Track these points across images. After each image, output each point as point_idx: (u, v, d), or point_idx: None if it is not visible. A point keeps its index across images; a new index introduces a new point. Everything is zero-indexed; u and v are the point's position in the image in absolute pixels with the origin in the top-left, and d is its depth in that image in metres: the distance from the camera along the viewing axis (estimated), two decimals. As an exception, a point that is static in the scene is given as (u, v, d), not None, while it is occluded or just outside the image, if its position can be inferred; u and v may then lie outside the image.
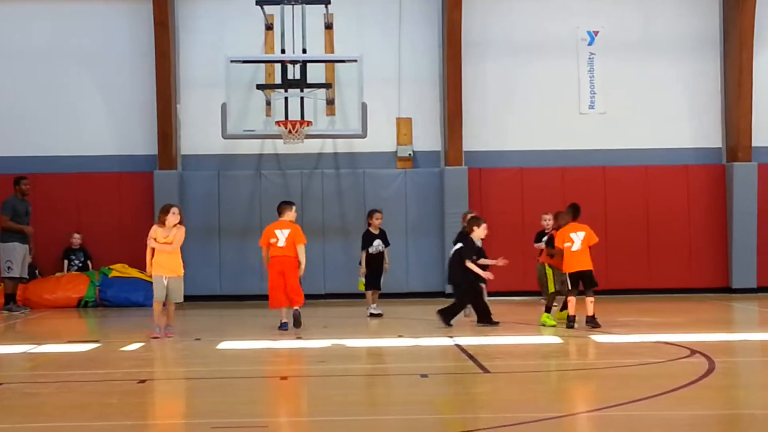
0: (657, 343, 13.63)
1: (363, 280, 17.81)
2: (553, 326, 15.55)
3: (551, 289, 16.53)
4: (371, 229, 17.92)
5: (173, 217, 15.06)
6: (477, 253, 16.22)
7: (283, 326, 15.65)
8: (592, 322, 15.10)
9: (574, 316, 15.19)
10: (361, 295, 20.80)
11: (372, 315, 17.70)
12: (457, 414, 9.26)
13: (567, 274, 15.39)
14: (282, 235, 15.75)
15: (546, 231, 18.05)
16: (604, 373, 11.50)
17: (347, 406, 9.47)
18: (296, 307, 15.77)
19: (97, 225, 21.82)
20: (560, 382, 10.91)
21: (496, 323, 15.78)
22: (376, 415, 9.10)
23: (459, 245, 16.14)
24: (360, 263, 17.89)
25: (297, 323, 15.73)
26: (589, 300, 15.26)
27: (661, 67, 22.52)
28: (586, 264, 15.40)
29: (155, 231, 15.15)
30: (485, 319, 15.88)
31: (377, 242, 17.78)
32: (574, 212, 15.62)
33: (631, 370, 11.50)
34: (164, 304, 15.16)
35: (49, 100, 22.07)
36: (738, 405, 9.62)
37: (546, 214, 18.53)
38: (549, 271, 16.79)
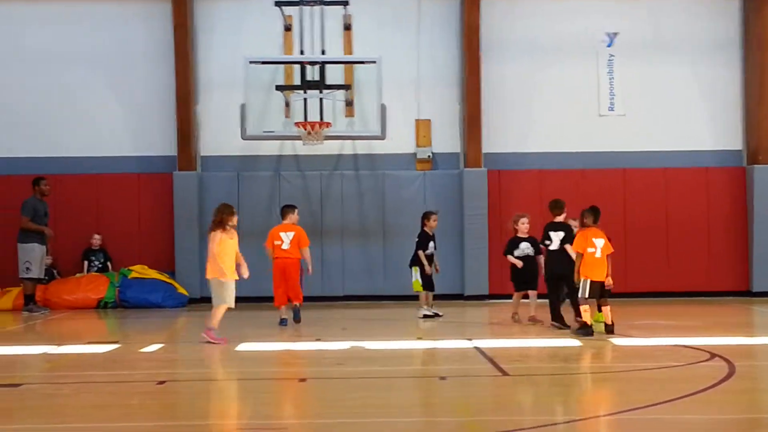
0: (676, 346, 13.58)
1: (419, 280, 17.73)
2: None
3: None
4: (426, 230, 17.90)
5: (235, 220, 14.79)
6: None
7: (282, 322, 16.51)
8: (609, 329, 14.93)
9: (586, 323, 14.94)
10: (380, 298, 20.91)
11: (426, 316, 17.58)
12: (476, 417, 9.24)
13: (587, 281, 14.82)
14: (287, 238, 16.55)
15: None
16: (624, 376, 11.46)
17: (366, 408, 9.47)
18: (296, 304, 16.70)
19: (117, 226, 21.88)
20: (579, 385, 10.88)
21: (567, 326, 15.63)
22: (394, 418, 9.09)
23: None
24: (416, 264, 17.74)
25: (296, 318, 16.68)
26: (606, 308, 15.08)
27: (680, 69, 22.44)
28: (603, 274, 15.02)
29: (219, 235, 14.50)
30: (558, 320, 15.87)
31: (431, 244, 17.79)
32: (594, 215, 15.31)
33: (651, 374, 11.47)
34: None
35: (68, 101, 22.13)
36: (758, 409, 9.59)
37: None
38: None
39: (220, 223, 14.50)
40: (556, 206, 15.95)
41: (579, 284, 14.82)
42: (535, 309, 16.50)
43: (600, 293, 14.91)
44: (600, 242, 14.95)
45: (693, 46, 22.46)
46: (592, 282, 14.79)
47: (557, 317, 15.70)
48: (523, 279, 16.57)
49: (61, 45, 22.19)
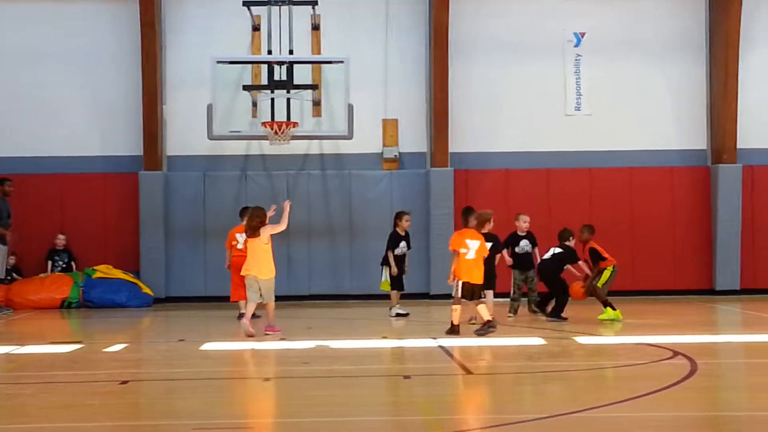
0: (640, 344, 13.65)
1: (387, 280, 17.79)
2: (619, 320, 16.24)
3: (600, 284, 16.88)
4: (398, 230, 17.96)
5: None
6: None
7: (241, 316, 16.53)
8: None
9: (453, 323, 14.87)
10: (346, 297, 20.93)
11: (398, 315, 17.71)
12: (440, 415, 9.25)
13: (460, 282, 14.67)
14: (241, 238, 16.74)
15: (520, 233, 17.98)
16: (587, 374, 11.52)
17: (330, 407, 9.47)
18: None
19: (82, 226, 21.77)
20: (543, 383, 10.91)
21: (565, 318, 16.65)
22: (359, 417, 9.09)
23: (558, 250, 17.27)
24: (384, 264, 17.90)
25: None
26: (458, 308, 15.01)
27: (647, 69, 22.57)
28: None
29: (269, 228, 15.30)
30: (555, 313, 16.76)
31: (402, 243, 17.82)
32: (473, 217, 15.40)
33: (614, 372, 11.54)
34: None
35: (33, 100, 22.00)
36: (720, 407, 9.66)
37: (522, 215, 18.24)
38: (606, 273, 16.99)
39: (263, 224, 15.17)
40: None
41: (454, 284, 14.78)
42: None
43: (471, 295, 14.74)
44: (475, 244, 14.74)
45: (659, 46, 22.58)
46: (464, 283, 14.66)
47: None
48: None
49: (27, 44, 22.05)
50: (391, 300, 17.91)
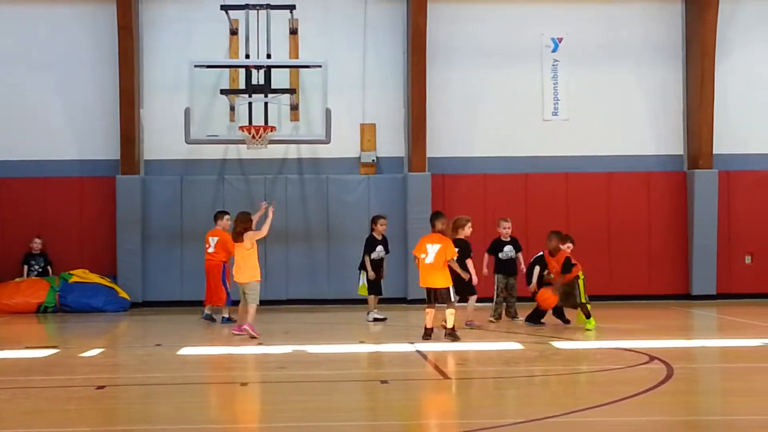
0: (616, 349, 13.70)
1: (365, 284, 17.79)
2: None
3: (583, 299, 16.59)
4: (375, 234, 17.97)
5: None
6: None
7: (206, 316, 17.87)
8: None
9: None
10: (324, 302, 20.92)
11: (376, 320, 17.75)
12: (417, 420, 9.27)
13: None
14: (212, 242, 17.87)
15: (503, 239, 18.03)
16: (564, 379, 11.54)
17: (307, 412, 9.47)
18: (213, 305, 17.96)
19: (58, 230, 21.67)
20: (520, 388, 10.93)
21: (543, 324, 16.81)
22: (336, 422, 9.09)
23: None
24: (362, 268, 17.92)
25: (206, 317, 17.93)
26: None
27: (624, 74, 22.64)
28: None
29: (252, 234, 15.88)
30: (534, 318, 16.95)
31: (379, 248, 17.82)
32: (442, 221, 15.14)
33: (591, 377, 11.57)
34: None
35: (10, 104, 21.89)
36: (696, 411, 9.70)
37: (504, 220, 18.29)
38: (580, 283, 16.78)
39: (247, 229, 15.70)
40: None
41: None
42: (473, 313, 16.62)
43: (433, 299, 14.85)
44: (434, 248, 14.70)
45: (636, 52, 22.67)
46: (426, 288, 14.87)
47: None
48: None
49: (5, 47, 21.96)
50: (369, 304, 17.93)
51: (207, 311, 18.01)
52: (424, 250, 14.73)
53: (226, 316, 17.74)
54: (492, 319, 17.48)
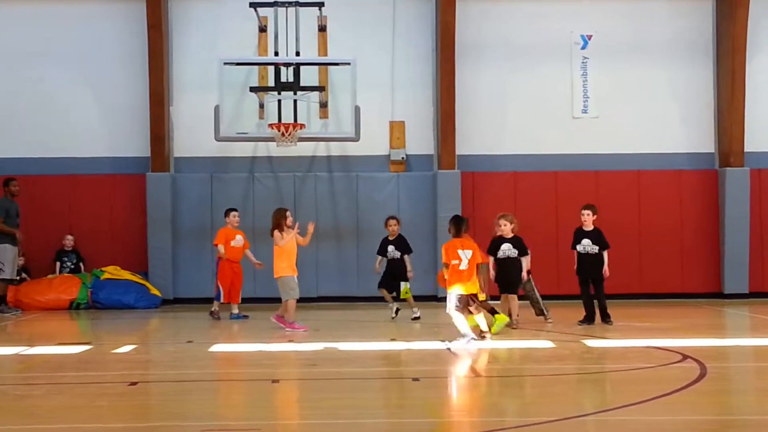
0: (648, 348, 13.64)
1: (407, 288, 17.77)
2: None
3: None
4: (388, 236, 18.00)
5: (290, 220, 16.56)
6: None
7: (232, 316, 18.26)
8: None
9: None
10: (354, 299, 20.99)
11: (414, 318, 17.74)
12: (449, 418, 9.25)
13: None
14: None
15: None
16: (596, 377, 11.50)
17: (338, 409, 9.46)
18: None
19: (90, 227, 21.80)
20: (552, 386, 10.89)
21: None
22: (367, 419, 9.08)
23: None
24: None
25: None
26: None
27: (654, 71, 22.55)
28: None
29: (281, 234, 16.31)
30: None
31: (390, 248, 17.81)
32: (456, 227, 14.62)
33: (623, 375, 11.52)
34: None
35: (41, 101, 22.04)
36: (729, 410, 9.63)
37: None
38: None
39: (278, 226, 16.19)
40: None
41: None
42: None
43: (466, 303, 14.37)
44: (467, 254, 14.29)
45: (667, 49, 22.57)
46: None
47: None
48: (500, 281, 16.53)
49: (36, 45, 22.09)
50: (409, 303, 17.83)
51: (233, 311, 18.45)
52: (457, 256, 14.29)
53: (213, 309, 18.34)
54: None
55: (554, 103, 22.43)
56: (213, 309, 18.24)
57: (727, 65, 22.14)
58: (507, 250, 16.46)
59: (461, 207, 21.42)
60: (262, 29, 21.43)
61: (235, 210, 18.72)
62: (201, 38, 22.16)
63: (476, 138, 22.30)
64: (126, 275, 20.97)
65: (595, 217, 17.23)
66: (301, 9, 20.26)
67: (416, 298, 19.64)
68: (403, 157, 22.22)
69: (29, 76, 22.07)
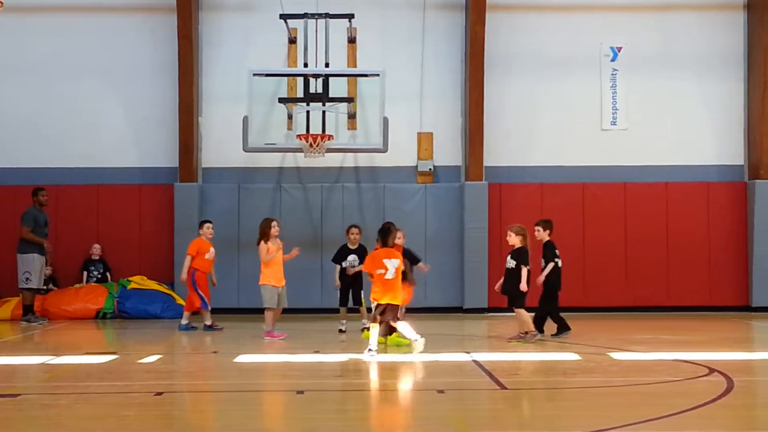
0: (675, 361, 13.56)
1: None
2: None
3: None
4: (348, 244, 17.91)
5: (276, 230, 16.97)
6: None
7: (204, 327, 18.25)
8: None
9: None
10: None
11: (340, 331, 17.62)
12: (474, 431, 9.22)
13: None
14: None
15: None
16: (622, 390, 11.44)
17: (363, 421, 9.45)
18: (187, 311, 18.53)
19: (117, 237, 21.91)
20: (578, 399, 10.85)
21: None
22: (392, 431, 9.06)
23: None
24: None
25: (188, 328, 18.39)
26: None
27: (684, 83, 22.47)
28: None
29: (266, 246, 16.81)
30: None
31: (352, 257, 17.70)
32: (383, 237, 14.59)
33: (649, 388, 11.44)
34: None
35: (71, 112, 22.19)
36: (756, 425, 9.56)
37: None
38: None
39: (263, 236, 16.80)
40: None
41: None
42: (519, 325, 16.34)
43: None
44: (393, 263, 14.19)
45: (697, 61, 22.49)
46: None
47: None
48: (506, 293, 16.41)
49: (66, 56, 22.25)
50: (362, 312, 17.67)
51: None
52: (383, 265, 14.14)
53: (208, 323, 18.20)
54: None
55: (583, 114, 22.38)
56: (209, 323, 18.09)
57: (758, 77, 22.05)
58: (508, 261, 16.29)
59: (488, 218, 21.42)
60: (292, 41, 21.49)
61: (209, 222, 18.60)
62: (231, 49, 22.25)
63: (504, 149, 22.28)
64: (152, 285, 21.05)
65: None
66: (331, 21, 20.29)
67: (443, 309, 19.69)
68: (430, 168, 22.22)
69: (59, 86, 22.21)
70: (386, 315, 14.23)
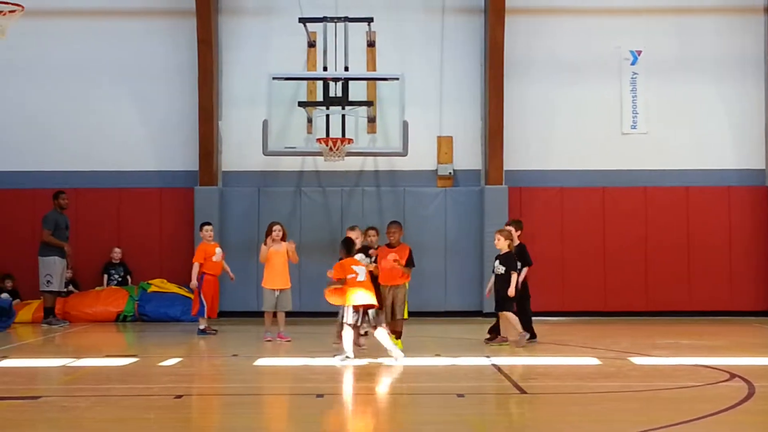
0: (696, 366, 13.51)
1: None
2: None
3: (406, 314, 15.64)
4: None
5: (277, 234, 17.06)
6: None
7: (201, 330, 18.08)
8: None
9: None
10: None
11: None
12: (493, 435, 9.21)
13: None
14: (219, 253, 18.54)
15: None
16: (642, 395, 11.40)
17: (381, 424, 9.44)
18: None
19: (137, 240, 21.98)
20: (598, 404, 10.81)
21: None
22: (411, 435, 9.07)
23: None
24: None
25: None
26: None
27: (704, 86, 22.41)
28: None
29: (264, 248, 17.08)
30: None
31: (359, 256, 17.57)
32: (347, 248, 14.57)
33: (670, 394, 11.41)
34: (274, 314, 17.06)
35: (91, 115, 22.27)
36: (777, 430, 9.52)
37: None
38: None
39: (265, 237, 17.09)
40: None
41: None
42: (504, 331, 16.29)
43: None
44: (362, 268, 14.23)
45: (717, 64, 22.43)
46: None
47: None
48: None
49: (86, 59, 22.33)
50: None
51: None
52: (353, 270, 14.11)
53: (201, 327, 18.01)
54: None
55: (603, 118, 22.34)
56: (203, 326, 17.96)
57: (778, 80, 22.00)
58: (497, 266, 16.15)
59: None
60: (311, 44, 21.52)
61: (209, 224, 18.38)
62: (250, 53, 22.29)
63: (524, 153, 22.26)
64: (172, 288, 21.12)
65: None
66: (351, 24, 20.30)
67: (463, 314, 19.66)
68: (450, 172, 22.20)
69: (78, 90, 22.30)
70: (378, 318, 14.27)
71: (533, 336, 16.39)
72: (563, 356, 14.73)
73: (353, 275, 14.06)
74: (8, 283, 21.44)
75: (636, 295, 21.86)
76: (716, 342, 17.07)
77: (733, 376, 12.22)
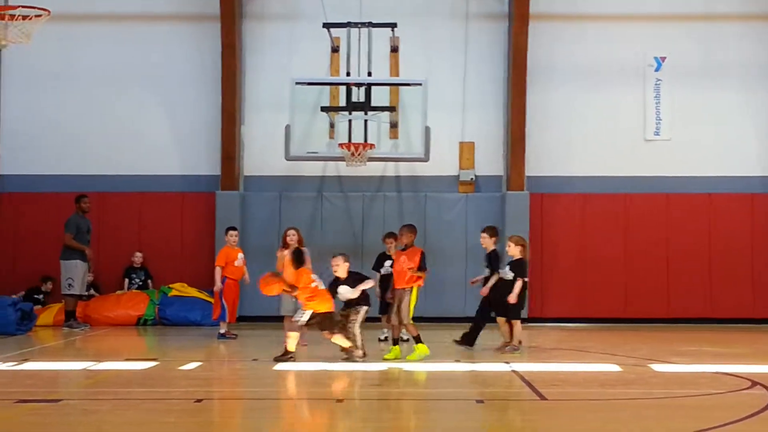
0: (717, 373, 13.45)
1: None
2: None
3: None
4: (387, 251, 17.78)
5: (291, 238, 17.09)
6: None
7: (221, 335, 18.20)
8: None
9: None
10: (421, 319, 20.82)
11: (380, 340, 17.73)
12: (512, 441, 9.19)
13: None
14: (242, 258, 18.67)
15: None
16: (663, 403, 11.35)
17: (399, 430, 9.43)
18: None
19: (159, 244, 22.05)
20: (618, 411, 10.77)
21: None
22: (430, 440, 9.06)
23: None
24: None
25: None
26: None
27: (728, 93, 22.33)
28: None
29: (281, 254, 17.01)
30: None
31: (388, 263, 17.53)
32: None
33: (691, 401, 11.36)
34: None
35: (114, 119, 22.37)
36: (799, 439, 9.47)
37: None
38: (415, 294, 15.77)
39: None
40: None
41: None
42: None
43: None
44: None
45: (741, 71, 22.35)
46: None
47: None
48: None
49: (110, 64, 22.43)
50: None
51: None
52: (312, 279, 14.92)
53: (222, 331, 18.18)
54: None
55: (626, 125, 22.29)
56: (223, 331, 18.10)
57: (803, 87, 21.91)
58: (506, 272, 16.26)
59: (529, 228, 21.33)
60: (335, 50, 21.52)
61: (234, 229, 18.54)
62: (274, 58, 22.34)
63: (546, 159, 22.22)
64: (193, 292, 21.16)
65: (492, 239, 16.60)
66: (374, 30, 20.30)
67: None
68: (472, 178, 22.19)
69: (102, 94, 22.40)
70: (330, 322, 14.84)
71: (471, 345, 16.32)
72: (583, 362, 14.69)
73: (316, 284, 14.79)
74: (48, 285, 21.59)
75: (657, 302, 21.79)
76: (737, 349, 16.98)
77: (754, 384, 12.16)
